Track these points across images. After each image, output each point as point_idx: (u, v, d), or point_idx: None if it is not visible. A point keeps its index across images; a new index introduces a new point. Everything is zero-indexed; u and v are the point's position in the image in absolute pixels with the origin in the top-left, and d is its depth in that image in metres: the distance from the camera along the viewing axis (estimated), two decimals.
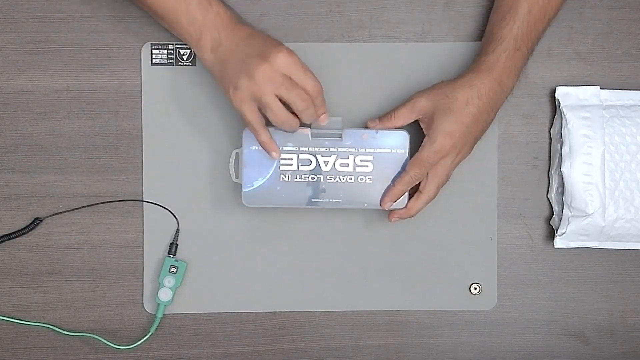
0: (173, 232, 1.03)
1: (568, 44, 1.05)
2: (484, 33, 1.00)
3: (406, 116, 0.96)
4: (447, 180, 0.98)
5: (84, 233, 1.03)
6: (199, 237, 1.04)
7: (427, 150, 0.94)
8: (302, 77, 0.91)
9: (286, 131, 0.95)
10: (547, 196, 1.05)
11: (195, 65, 1.03)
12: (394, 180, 0.97)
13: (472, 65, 0.97)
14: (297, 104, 0.91)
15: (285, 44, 1.03)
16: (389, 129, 0.97)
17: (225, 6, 0.94)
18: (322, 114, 0.94)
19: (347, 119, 1.02)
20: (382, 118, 0.98)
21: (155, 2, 0.94)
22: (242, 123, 0.95)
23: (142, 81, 1.03)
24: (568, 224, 1.01)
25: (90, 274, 1.04)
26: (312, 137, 0.97)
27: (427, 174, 0.96)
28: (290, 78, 0.91)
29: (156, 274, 1.03)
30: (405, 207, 0.98)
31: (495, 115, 0.97)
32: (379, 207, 0.98)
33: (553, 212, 1.04)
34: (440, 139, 0.94)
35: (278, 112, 0.91)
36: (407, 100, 0.97)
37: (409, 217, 0.98)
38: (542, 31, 0.98)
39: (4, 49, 1.03)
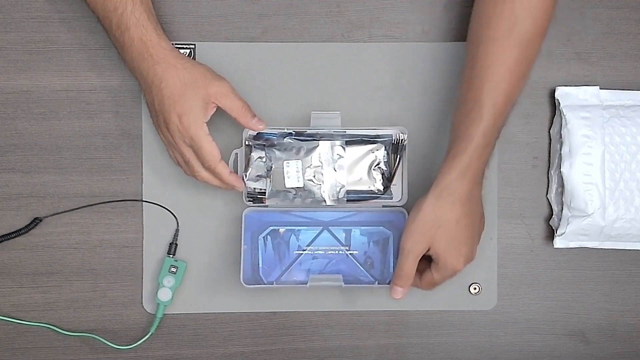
0: (173, 232, 1.03)
1: (568, 44, 1.05)
2: (451, 125, 0.96)
3: (414, 266, 0.94)
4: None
5: (84, 233, 1.03)
6: (199, 237, 1.04)
7: (441, 274, 0.94)
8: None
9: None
10: (547, 196, 1.05)
11: None
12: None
13: (444, 170, 0.93)
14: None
15: (286, 44, 1.04)
16: (409, 285, 0.96)
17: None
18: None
19: (346, 119, 1.02)
20: (398, 282, 0.95)
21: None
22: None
23: None
24: (568, 224, 1.01)
25: (90, 274, 1.04)
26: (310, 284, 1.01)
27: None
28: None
29: (156, 274, 1.03)
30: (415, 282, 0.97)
31: (480, 205, 0.96)
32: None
33: (553, 212, 1.04)
34: (451, 262, 0.93)
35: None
36: (404, 252, 0.94)
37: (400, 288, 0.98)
38: (508, 117, 0.95)
39: (4, 49, 1.03)
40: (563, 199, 1.01)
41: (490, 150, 0.94)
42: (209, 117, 0.95)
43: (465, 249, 0.94)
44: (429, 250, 0.93)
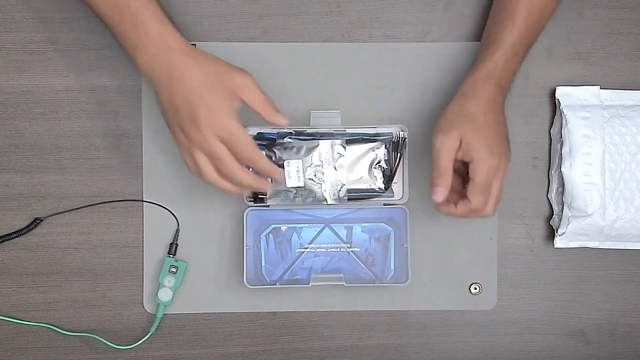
0: (173, 232, 1.03)
1: (568, 44, 1.05)
2: (483, 33, 1.00)
3: (450, 162, 0.92)
4: (500, 194, 0.95)
5: (84, 233, 1.03)
6: (200, 237, 1.04)
7: (480, 174, 0.92)
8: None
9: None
10: (547, 196, 1.05)
11: None
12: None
13: (470, 72, 0.96)
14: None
15: (286, 44, 1.04)
16: (450, 185, 0.93)
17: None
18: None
19: (346, 119, 1.02)
20: (438, 181, 0.92)
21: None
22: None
23: (142, 81, 1.03)
24: (568, 224, 1.01)
25: (90, 274, 1.04)
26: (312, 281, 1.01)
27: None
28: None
29: (156, 274, 1.03)
30: (450, 210, 0.95)
31: (504, 115, 0.96)
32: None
33: (553, 212, 1.04)
34: (486, 156, 0.92)
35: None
36: (436, 150, 0.92)
37: (456, 216, 0.95)
38: (538, 35, 0.98)
39: (4, 49, 1.02)
40: (563, 198, 1.02)
41: (518, 62, 0.95)
42: (237, 110, 0.91)
43: (497, 145, 0.92)
44: (460, 148, 0.92)
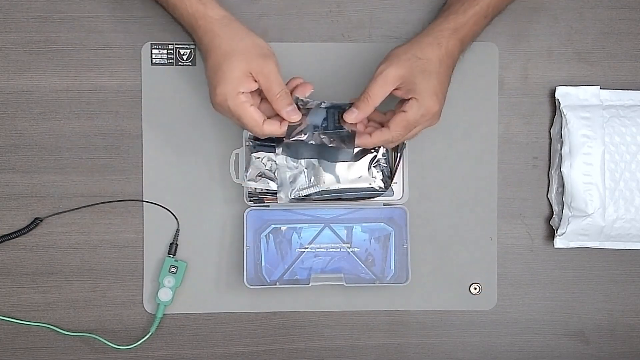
0: (173, 232, 1.03)
1: (568, 44, 1.05)
2: None
3: (382, 92, 0.92)
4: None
5: (84, 233, 1.03)
6: (200, 237, 1.04)
7: (416, 112, 0.92)
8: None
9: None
10: (547, 196, 1.05)
11: (195, 65, 1.03)
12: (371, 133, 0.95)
13: (438, 20, 0.96)
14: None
15: (286, 44, 1.04)
16: (367, 113, 0.93)
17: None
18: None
19: None
20: (358, 104, 0.94)
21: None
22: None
23: (142, 81, 1.03)
24: (568, 224, 1.01)
25: (90, 274, 1.04)
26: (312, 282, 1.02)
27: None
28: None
29: (156, 274, 1.03)
30: (363, 140, 0.95)
31: (451, 75, 0.96)
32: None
33: (553, 212, 1.04)
34: (428, 100, 0.92)
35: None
36: (375, 75, 0.93)
37: (362, 146, 0.96)
38: (508, 3, 0.99)
39: (4, 49, 1.02)
40: (563, 198, 1.02)
41: (484, 25, 0.97)
42: (250, 90, 0.92)
43: (441, 96, 0.93)
44: (403, 87, 0.92)
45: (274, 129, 0.93)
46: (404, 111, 0.92)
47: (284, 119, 0.93)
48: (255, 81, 0.92)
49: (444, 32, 0.94)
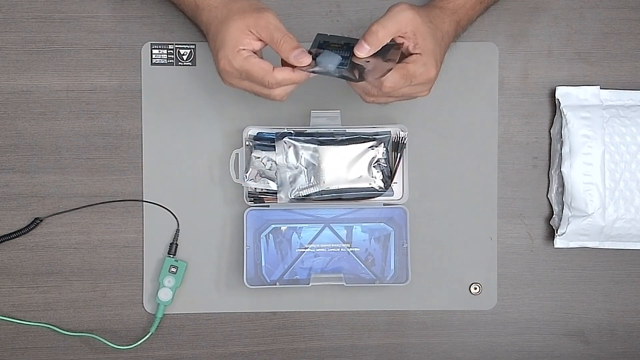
0: (173, 232, 1.03)
1: (568, 44, 1.05)
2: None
3: (394, 28, 0.88)
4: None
5: (84, 233, 1.03)
6: (200, 237, 1.04)
7: (417, 67, 0.89)
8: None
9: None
10: (547, 196, 1.05)
11: (195, 65, 1.03)
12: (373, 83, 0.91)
13: (437, 1, 0.95)
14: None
15: None
16: (378, 46, 0.89)
17: None
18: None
19: (346, 118, 1.02)
20: (368, 38, 0.88)
21: None
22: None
23: (142, 81, 1.03)
24: (568, 224, 1.01)
25: (90, 274, 1.04)
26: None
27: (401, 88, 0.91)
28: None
29: (156, 274, 1.03)
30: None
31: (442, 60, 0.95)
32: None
33: (553, 212, 1.04)
34: (431, 61, 0.90)
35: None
36: (389, 11, 0.89)
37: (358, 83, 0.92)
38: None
39: (4, 49, 1.03)
40: (563, 199, 1.02)
41: (479, 12, 0.98)
42: (252, 46, 0.88)
43: (440, 64, 0.92)
44: (409, 36, 0.89)
45: (285, 74, 0.88)
46: (406, 62, 0.90)
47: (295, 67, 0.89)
48: (259, 39, 0.88)
49: (445, 10, 0.94)
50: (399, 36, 0.89)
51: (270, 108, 1.03)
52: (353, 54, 0.89)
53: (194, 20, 0.95)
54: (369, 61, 0.89)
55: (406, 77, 0.89)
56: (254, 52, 0.89)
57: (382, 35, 0.88)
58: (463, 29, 0.98)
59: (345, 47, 0.90)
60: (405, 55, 0.91)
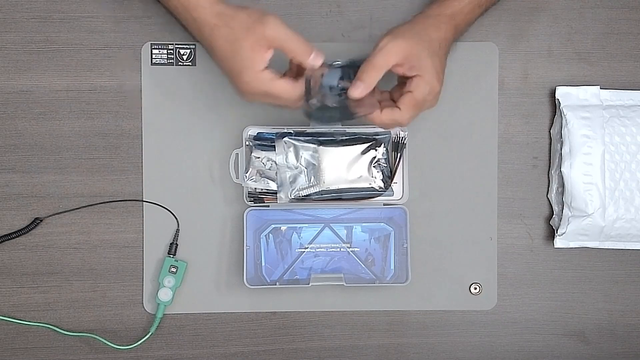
0: (173, 232, 1.03)
1: (568, 44, 1.05)
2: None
3: (385, 64, 0.90)
4: None
5: (84, 233, 1.03)
6: (200, 237, 1.04)
7: (422, 90, 0.91)
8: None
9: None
10: (547, 196, 1.05)
11: (195, 65, 1.03)
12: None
13: (434, 5, 0.96)
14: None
15: None
16: (372, 85, 0.90)
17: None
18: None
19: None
20: (362, 76, 0.90)
21: None
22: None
23: (142, 81, 1.03)
24: (568, 224, 1.01)
25: (90, 274, 1.04)
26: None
27: None
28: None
29: (156, 274, 1.03)
30: (373, 114, 0.92)
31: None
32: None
33: (553, 212, 1.05)
34: (433, 78, 0.91)
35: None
36: (378, 47, 0.90)
37: (373, 121, 0.93)
38: None
39: (4, 49, 1.03)
40: (563, 198, 1.02)
41: (478, 15, 0.98)
42: (268, 60, 0.90)
43: (442, 74, 0.92)
44: (408, 63, 0.90)
45: (296, 89, 0.91)
46: (410, 91, 0.91)
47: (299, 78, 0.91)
48: (270, 47, 0.89)
49: (441, 17, 0.94)
50: (393, 66, 0.90)
51: (270, 108, 1.02)
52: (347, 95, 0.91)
53: (189, 29, 0.95)
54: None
55: (417, 105, 0.92)
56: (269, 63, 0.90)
57: (374, 75, 0.90)
58: (462, 33, 0.98)
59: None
60: (404, 78, 0.92)
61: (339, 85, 0.92)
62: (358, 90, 0.90)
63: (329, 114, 0.94)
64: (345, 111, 0.93)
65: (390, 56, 0.90)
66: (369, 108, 0.92)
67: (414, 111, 0.92)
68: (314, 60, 0.90)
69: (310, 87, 0.91)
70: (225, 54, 0.90)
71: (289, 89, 0.90)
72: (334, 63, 0.93)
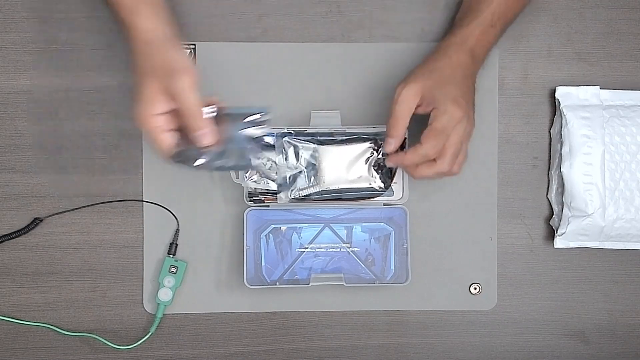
0: (173, 232, 1.03)
1: (568, 44, 1.05)
2: (461, 4, 1.01)
3: (407, 111, 0.93)
4: (465, 155, 0.95)
5: (84, 233, 1.03)
6: (200, 237, 1.04)
7: (440, 120, 0.91)
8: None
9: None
10: (547, 196, 1.05)
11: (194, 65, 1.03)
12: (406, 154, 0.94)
13: (446, 36, 0.97)
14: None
15: (286, 44, 1.04)
16: (401, 136, 0.94)
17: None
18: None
19: (346, 119, 1.02)
20: (390, 132, 0.93)
21: None
22: None
23: None
24: (568, 224, 1.01)
25: (90, 274, 1.04)
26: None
27: (444, 144, 0.92)
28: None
29: (156, 274, 1.03)
30: (416, 170, 0.94)
31: (474, 84, 0.96)
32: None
33: (553, 212, 1.05)
34: (449, 106, 0.91)
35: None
36: (395, 98, 0.93)
37: (412, 176, 0.95)
38: (519, 11, 0.99)
39: (4, 49, 1.02)
40: (563, 199, 1.02)
41: (495, 35, 0.97)
42: (163, 110, 0.87)
43: (464, 101, 0.92)
44: (423, 102, 0.92)
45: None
46: (429, 124, 0.92)
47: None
48: (171, 101, 0.87)
49: (451, 47, 0.95)
50: (416, 110, 0.93)
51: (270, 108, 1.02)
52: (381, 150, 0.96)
53: (124, 24, 0.92)
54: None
55: (438, 135, 0.91)
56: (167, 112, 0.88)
57: (400, 125, 0.93)
58: (483, 55, 0.97)
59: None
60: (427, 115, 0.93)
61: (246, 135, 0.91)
62: (391, 147, 0.94)
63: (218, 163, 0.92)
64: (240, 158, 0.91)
65: (407, 103, 0.92)
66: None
67: (435, 141, 0.91)
68: (199, 138, 0.88)
69: (186, 158, 0.90)
70: (134, 82, 0.88)
71: (165, 148, 0.88)
72: (230, 112, 0.91)
